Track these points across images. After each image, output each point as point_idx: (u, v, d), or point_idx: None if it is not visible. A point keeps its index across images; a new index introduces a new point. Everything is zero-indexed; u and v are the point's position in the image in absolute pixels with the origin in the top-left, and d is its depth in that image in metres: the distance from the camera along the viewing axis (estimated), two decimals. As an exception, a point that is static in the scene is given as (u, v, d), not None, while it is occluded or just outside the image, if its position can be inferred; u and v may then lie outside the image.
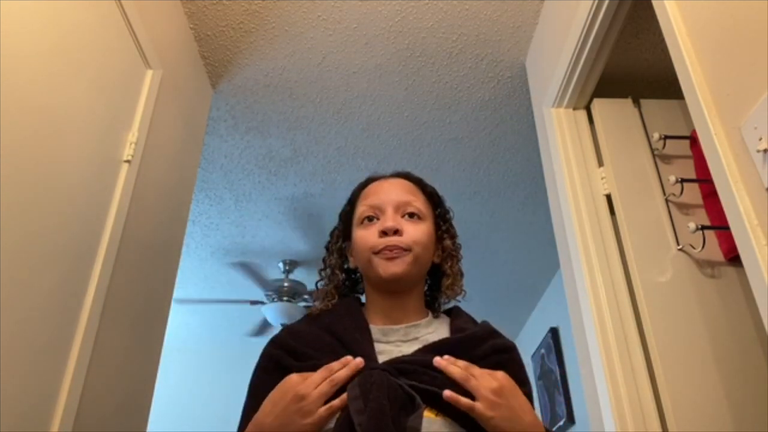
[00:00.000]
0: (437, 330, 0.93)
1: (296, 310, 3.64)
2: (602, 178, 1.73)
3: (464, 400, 0.78)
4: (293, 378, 0.80)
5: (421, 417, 0.75)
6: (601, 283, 1.57)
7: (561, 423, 3.33)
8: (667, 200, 1.65)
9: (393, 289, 0.93)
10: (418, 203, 0.97)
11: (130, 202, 1.52)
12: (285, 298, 3.61)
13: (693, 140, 1.70)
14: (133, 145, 1.55)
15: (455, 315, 0.98)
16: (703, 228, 1.52)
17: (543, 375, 3.73)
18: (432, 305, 1.01)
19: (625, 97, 1.84)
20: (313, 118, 2.45)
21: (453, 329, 0.94)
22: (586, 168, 1.76)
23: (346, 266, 1.01)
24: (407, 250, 0.90)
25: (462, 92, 2.34)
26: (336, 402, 0.77)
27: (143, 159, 1.60)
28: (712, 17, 1.05)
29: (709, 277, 1.54)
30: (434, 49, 2.15)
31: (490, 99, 2.36)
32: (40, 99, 1.19)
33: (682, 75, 1.10)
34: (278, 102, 2.37)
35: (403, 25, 2.07)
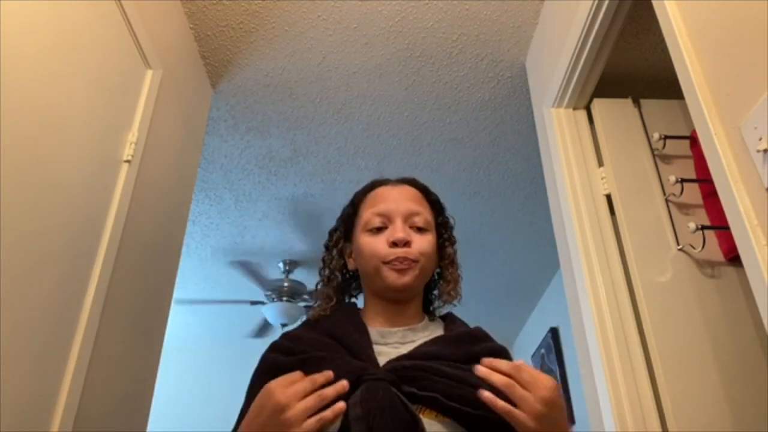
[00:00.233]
0: (433, 333, 0.95)
1: (296, 310, 3.64)
2: (602, 178, 1.73)
3: (502, 404, 0.74)
4: (272, 385, 0.75)
5: None
6: (601, 283, 1.57)
7: (561, 423, 3.32)
8: (667, 200, 1.65)
9: (397, 297, 0.95)
10: (425, 214, 0.98)
11: (130, 202, 1.52)
12: (285, 298, 3.61)
13: (693, 140, 1.70)
14: (133, 145, 1.55)
15: (450, 320, 1.00)
16: (703, 228, 1.52)
17: (543, 375, 3.72)
18: (427, 309, 1.03)
19: (625, 97, 1.84)
20: (313, 118, 2.45)
21: (448, 331, 0.96)
22: (586, 168, 1.76)
23: (345, 268, 1.02)
24: (415, 261, 0.92)
25: (462, 92, 2.34)
26: (327, 414, 0.73)
27: (143, 159, 1.60)
28: (712, 17, 1.05)
29: (709, 277, 1.54)
30: (434, 49, 2.15)
31: (490, 99, 2.36)
32: (40, 99, 1.19)
33: (682, 75, 1.10)
34: (278, 102, 2.37)
35: (403, 25, 2.07)
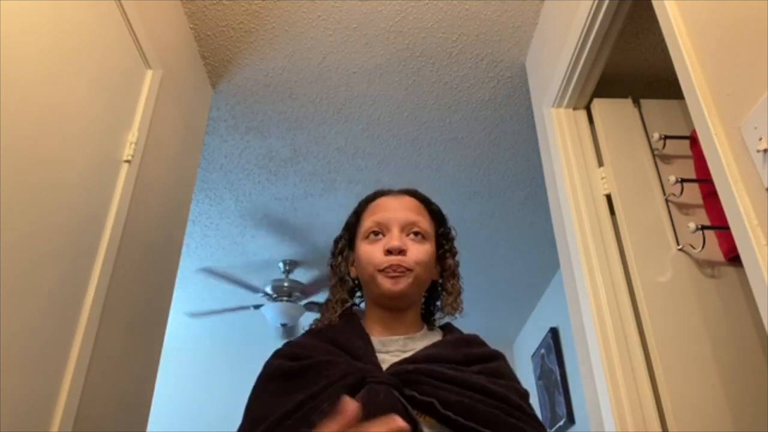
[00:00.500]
0: (432, 342, 0.96)
1: (296, 310, 3.64)
2: (602, 178, 1.73)
3: None
4: None
5: None
6: (601, 283, 1.57)
7: (561, 423, 3.33)
8: (667, 200, 1.65)
9: (393, 305, 0.96)
10: (424, 223, 0.99)
11: (130, 202, 1.52)
12: (285, 298, 3.61)
13: (693, 140, 1.70)
14: (133, 145, 1.55)
15: (448, 330, 1.01)
16: (703, 228, 1.52)
17: (543, 375, 3.73)
18: (428, 319, 1.04)
19: (625, 97, 1.84)
20: (313, 118, 2.45)
21: (447, 338, 0.98)
22: (586, 168, 1.76)
23: (348, 276, 1.03)
24: (410, 269, 0.93)
25: (462, 92, 2.34)
26: None
27: (143, 159, 1.60)
28: (712, 17, 1.05)
29: (709, 277, 1.54)
30: (434, 49, 2.15)
31: (490, 99, 2.36)
32: (40, 99, 1.19)
33: (682, 75, 1.10)
34: (278, 102, 2.37)
35: (403, 25, 2.07)
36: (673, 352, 1.44)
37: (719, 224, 1.53)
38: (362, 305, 1.04)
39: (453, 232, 1.06)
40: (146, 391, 1.68)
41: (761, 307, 0.89)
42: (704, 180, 1.61)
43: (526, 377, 3.94)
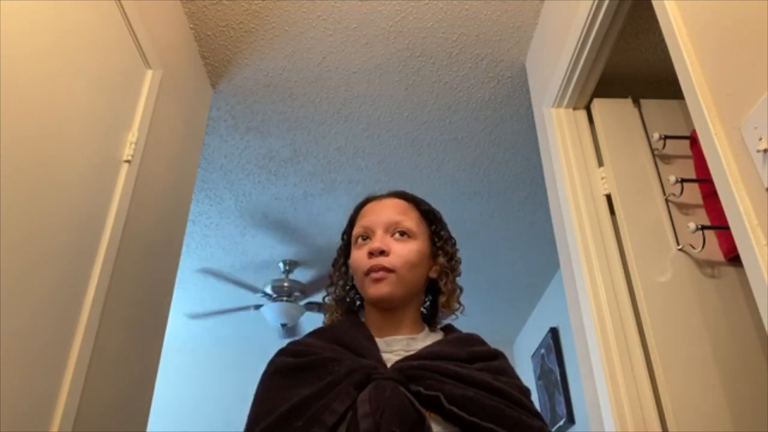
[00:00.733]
0: (435, 341, 0.96)
1: (296, 310, 3.64)
2: (602, 178, 1.73)
3: None
4: None
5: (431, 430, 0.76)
6: (601, 283, 1.57)
7: (561, 423, 3.33)
8: (667, 200, 1.65)
9: (385, 307, 0.96)
10: (409, 222, 0.98)
11: (130, 202, 1.52)
12: (285, 298, 3.61)
13: (693, 140, 1.70)
14: (133, 145, 1.55)
15: (449, 331, 1.01)
16: (703, 228, 1.52)
17: (543, 375, 3.73)
18: (431, 320, 1.04)
19: (625, 97, 1.84)
20: (313, 118, 2.45)
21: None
22: (586, 168, 1.76)
23: (349, 283, 1.04)
24: (392, 270, 0.93)
25: (462, 92, 2.34)
26: None
27: (143, 159, 1.60)
28: (712, 17, 1.05)
29: (709, 277, 1.54)
30: (434, 49, 2.15)
31: (490, 99, 2.36)
32: (40, 99, 1.19)
33: (682, 75, 1.10)
34: (278, 102, 2.37)
35: (403, 25, 2.07)
36: (673, 352, 1.44)
37: (719, 224, 1.53)
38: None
39: (446, 231, 1.05)
40: (146, 391, 1.68)
41: (761, 307, 0.89)
42: (704, 180, 1.61)
43: (526, 377, 3.94)
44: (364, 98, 2.35)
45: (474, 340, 0.97)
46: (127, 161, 1.53)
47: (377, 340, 0.93)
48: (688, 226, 1.54)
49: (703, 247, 1.52)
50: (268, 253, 3.41)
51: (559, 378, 3.40)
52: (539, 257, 3.39)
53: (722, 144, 0.99)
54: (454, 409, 0.79)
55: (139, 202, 1.58)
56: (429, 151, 2.63)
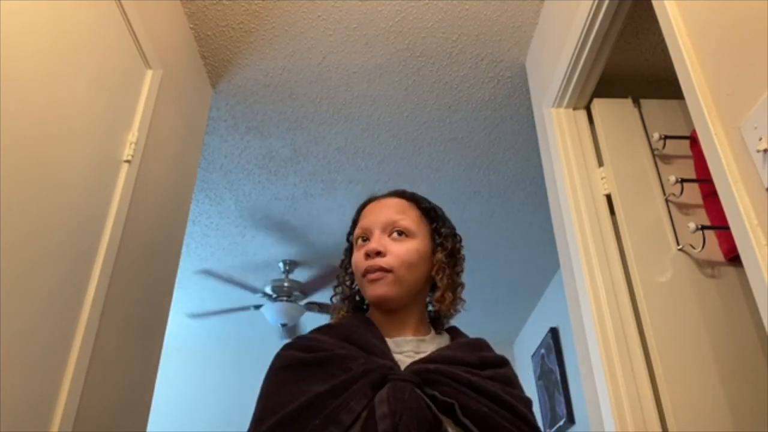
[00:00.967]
0: (441, 345, 0.96)
1: (296, 310, 3.64)
2: (602, 178, 1.73)
3: None
4: None
5: None
6: (601, 283, 1.57)
7: (561, 423, 3.33)
8: (667, 200, 1.65)
9: (385, 308, 0.95)
10: (407, 221, 0.97)
11: (130, 202, 1.52)
12: (285, 298, 3.61)
13: (693, 140, 1.70)
14: (133, 145, 1.55)
15: (455, 334, 1.01)
16: (703, 228, 1.52)
17: (543, 375, 3.73)
18: (438, 320, 1.02)
19: (625, 97, 1.84)
20: (313, 118, 2.45)
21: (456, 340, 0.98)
22: (586, 168, 1.76)
23: (356, 285, 1.03)
24: (389, 270, 0.92)
25: (462, 92, 2.34)
26: None
27: (143, 159, 1.60)
28: (712, 17, 1.05)
29: (709, 277, 1.54)
30: (434, 49, 2.15)
31: (490, 99, 2.36)
32: (40, 99, 1.19)
33: (682, 75, 1.10)
34: (278, 102, 2.37)
35: (403, 25, 2.07)
36: (673, 352, 1.44)
37: (719, 224, 1.53)
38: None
39: (448, 228, 1.03)
40: (146, 391, 1.68)
41: (761, 307, 0.89)
42: (704, 180, 1.61)
43: (526, 377, 3.94)
44: (364, 98, 2.35)
45: (482, 345, 0.97)
46: (127, 161, 1.53)
47: (387, 340, 0.92)
48: (688, 226, 1.54)
49: (703, 247, 1.52)
50: (268, 253, 3.41)
51: (559, 378, 3.40)
52: (539, 257, 3.39)
53: (722, 144, 0.99)
54: (468, 423, 0.79)
55: (139, 202, 1.58)
56: (429, 151, 2.63)
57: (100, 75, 1.43)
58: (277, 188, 2.86)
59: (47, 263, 1.20)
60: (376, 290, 0.92)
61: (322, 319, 1.07)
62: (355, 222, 1.05)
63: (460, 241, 1.06)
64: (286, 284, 3.56)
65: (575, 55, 1.71)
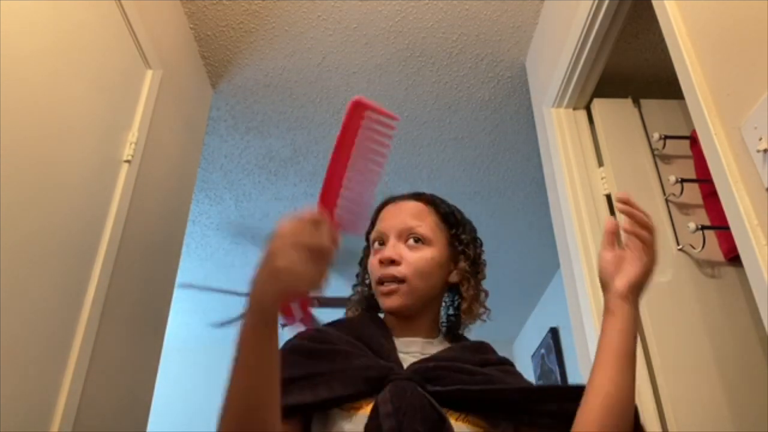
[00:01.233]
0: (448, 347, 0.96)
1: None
2: (602, 178, 1.73)
3: (641, 213, 0.83)
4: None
5: None
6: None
7: (561, 423, 3.33)
8: (667, 200, 1.65)
9: (399, 316, 0.94)
10: (423, 228, 0.94)
11: (130, 202, 1.52)
12: (285, 298, 3.60)
13: (693, 140, 1.70)
14: (133, 145, 1.55)
15: (459, 337, 1.01)
16: (703, 228, 1.52)
17: (543, 375, 3.73)
18: (455, 325, 1.01)
19: (625, 97, 1.84)
20: (313, 118, 2.45)
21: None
22: (586, 168, 1.75)
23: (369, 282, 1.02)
24: (402, 280, 0.90)
25: (462, 92, 2.34)
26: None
27: (143, 159, 1.60)
28: (712, 17, 1.05)
29: (709, 277, 1.54)
30: (434, 49, 2.15)
31: (490, 99, 2.36)
32: (40, 99, 1.19)
33: (682, 75, 1.10)
34: (278, 102, 2.37)
35: (403, 25, 2.07)
36: (673, 352, 1.44)
37: (719, 224, 1.53)
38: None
39: (468, 234, 1.01)
40: (146, 391, 1.68)
41: (761, 307, 0.89)
42: (704, 180, 1.61)
43: (527, 377, 3.93)
44: (364, 98, 2.35)
45: (486, 348, 0.97)
46: (127, 161, 1.53)
47: (395, 339, 0.92)
48: (688, 226, 1.54)
49: (703, 247, 1.52)
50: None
51: (559, 378, 3.40)
52: (539, 257, 3.39)
53: (722, 144, 0.99)
54: (472, 398, 0.80)
55: (139, 202, 1.58)
56: (429, 151, 2.63)
57: (100, 75, 1.43)
58: (277, 188, 2.86)
59: (47, 263, 1.20)
60: (391, 303, 0.91)
61: (323, 313, 1.06)
62: (373, 221, 1.02)
63: (481, 245, 1.04)
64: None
65: (575, 55, 1.71)
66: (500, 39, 2.12)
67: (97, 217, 1.41)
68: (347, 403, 0.81)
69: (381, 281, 0.92)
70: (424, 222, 0.95)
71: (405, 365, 0.86)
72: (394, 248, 0.92)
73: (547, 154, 1.94)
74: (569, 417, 0.78)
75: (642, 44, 2.03)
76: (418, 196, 1.01)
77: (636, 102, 1.83)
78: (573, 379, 3.29)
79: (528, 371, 3.99)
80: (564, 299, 1.78)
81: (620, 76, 2.06)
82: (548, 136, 1.90)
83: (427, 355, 0.90)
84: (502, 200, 2.96)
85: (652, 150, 1.74)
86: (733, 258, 1.54)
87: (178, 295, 1.98)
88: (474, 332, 1.01)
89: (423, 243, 0.93)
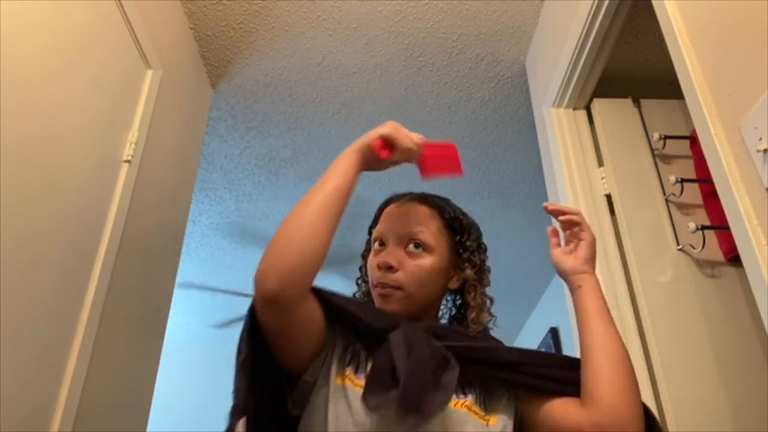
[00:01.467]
0: None
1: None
2: (602, 178, 1.73)
3: (572, 209, 0.94)
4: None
5: (455, 376, 0.78)
6: (601, 283, 1.57)
7: (561, 423, 3.33)
8: (667, 200, 1.65)
9: None
10: (425, 234, 0.92)
11: (130, 202, 1.52)
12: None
13: (693, 140, 1.70)
14: (133, 145, 1.55)
15: None
16: (703, 228, 1.52)
17: (543, 375, 3.72)
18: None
19: (625, 97, 1.84)
20: (313, 118, 2.45)
21: None
22: (586, 168, 1.75)
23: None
24: (398, 288, 0.89)
25: (462, 92, 2.33)
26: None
27: (143, 159, 1.60)
28: (712, 17, 1.05)
29: (709, 277, 1.54)
30: (434, 49, 2.15)
31: (490, 99, 2.36)
32: (40, 99, 1.19)
33: (682, 75, 1.10)
34: (278, 102, 2.37)
35: (403, 25, 2.07)
36: (673, 352, 1.44)
37: (719, 224, 1.53)
38: None
39: (474, 240, 0.99)
40: (146, 391, 1.68)
41: (761, 307, 0.89)
42: (704, 180, 1.61)
43: (526, 377, 3.93)
44: (364, 98, 2.35)
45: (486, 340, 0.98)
46: (127, 161, 1.53)
47: None
48: (688, 226, 1.54)
49: (703, 247, 1.52)
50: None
51: (559, 378, 3.39)
52: (539, 257, 3.38)
53: (722, 144, 0.99)
54: (477, 358, 0.84)
55: (139, 202, 1.58)
56: (429, 151, 2.63)
57: (100, 75, 1.43)
58: (277, 188, 2.86)
59: (47, 263, 1.20)
60: (385, 306, 0.90)
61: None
62: (375, 217, 1.01)
63: (486, 251, 1.02)
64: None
65: (575, 55, 1.71)
66: (500, 39, 2.12)
67: (97, 217, 1.41)
68: (367, 336, 0.85)
69: (377, 286, 0.91)
70: (427, 228, 0.94)
71: None
72: (392, 254, 0.91)
73: (547, 154, 1.94)
74: (567, 382, 0.82)
75: (642, 44, 2.03)
76: (423, 199, 0.99)
77: (636, 102, 1.83)
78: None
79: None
80: (564, 299, 1.78)
81: (620, 76, 2.05)
82: (548, 136, 1.90)
83: None
84: (502, 200, 2.96)
85: (652, 150, 1.74)
86: (733, 258, 1.54)
87: (178, 295, 1.98)
88: (474, 332, 1.01)
89: (423, 249, 0.92)
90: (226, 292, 3.68)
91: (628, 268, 1.58)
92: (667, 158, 1.73)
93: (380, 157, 0.88)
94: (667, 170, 1.69)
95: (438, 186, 1.06)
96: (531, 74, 2.17)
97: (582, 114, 1.86)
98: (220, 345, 4.52)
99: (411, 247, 0.92)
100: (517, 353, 0.87)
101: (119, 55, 1.54)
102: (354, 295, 1.02)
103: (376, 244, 0.95)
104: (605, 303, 0.88)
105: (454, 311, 1.01)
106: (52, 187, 1.22)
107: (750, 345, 1.44)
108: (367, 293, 0.99)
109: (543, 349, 3.73)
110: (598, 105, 1.82)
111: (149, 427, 1.69)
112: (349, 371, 0.82)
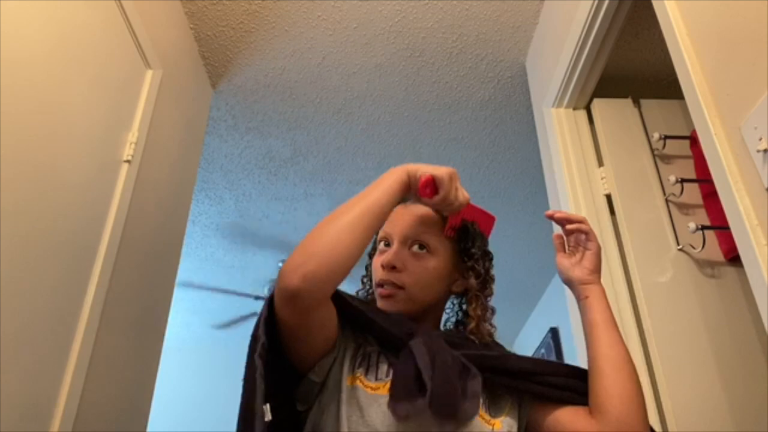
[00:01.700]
0: None
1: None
2: (602, 178, 1.73)
3: (578, 216, 0.95)
4: None
5: (480, 384, 0.79)
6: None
7: (561, 423, 3.32)
8: (667, 200, 1.65)
9: None
10: (429, 236, 0.93)
11: (130, 202, 1.52)
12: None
13: (693, 140, 1.70)
14: (133, 145, 1.55)
15: None
16: (703, 228, 1.52)
17: (543, 375, 3.72)
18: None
19: (625, 97, 1.84)
20: (313, 118, 2.45)
21: None
22: (586, 168, 1.75)
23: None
24: (401, 288, 0.89)
25: (462, 92, 2.33)
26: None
27: (143, 159, 1.60)
28: (712, 17, 1.05)
29: (709, 277, 1.54)
30: (434, 49, 2.15)
31: (490, 99, 2.36)
32: (41, 99, 1.19)
33: (682, 75, 1.10)
34: (278, 102, 2.37)
35: (403, 25, 2.07)
36: (673, 352, 1.43)
37: (719, 224, 1.53)
38: None
39: (479, 247, 0.98)
40: (146, 391, 1.68)
41: (761, 307, 0.89)
42: (704, 180, 1.61)
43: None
44: (364, 98, 2.35)
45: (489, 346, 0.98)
46: (127, 161, 1.53)
47: None
48: (688, 226, 1.54)
49: (703, 247, 1.52)
50: (267, 252, 3.41)
51: (559, 378, 3.39)
52: (539, 257, 3.39)
53: (722, 144, 0.99)
54: (492, 366, 0.84)
55: (139, 202, 1.58)
56: (429, 151, 2.63)
57: (100, 75, 1.43)
58: (277, 188, 2.86)
59: (47, 263, 1.20)
60: (386, 307, 0.90)
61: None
62: None
63: (491, 260, 1.01)
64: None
65: (575, 55, 1.71)
66: (500, 39, 2.12)
67: (97, 217, 1.41)
68: (382, 340, 0.85)
69: (380, 285, 0.91)
70: (431, 230, 0.94)
71: None
72: (396, 254, 0.91)
73: (547, 154, 1.94)
74: (577, 392, 0.84)
75: (642, 44, 2.03)
76: None
77: (636, 102, 1.83)
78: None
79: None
80: (564, 299, 1.78)
81: (620, 76, 2.05)
82: (548, 136, 1.90)
83: None
84: (502, 200, 2.96)
85: (652, 150, 1.74)
86: (733, 258, 1.53)
87: (178, 295, 1.98)
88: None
89: (427, 251, 0.92)
90: (226, 292, 3.69)
91: (628, 268, 1.58)
92: (667, 158, 1.73)
93: (420, 194, 0.89)
94: (667, 170, 1.69)
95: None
96: (531, 74, 2.17)
97: (582, 114, 1.86)
98: (220, 345, 4.53)
99: (415, 248, 0.92)
100: (528, 362, 0.87)
101: (119, 55, 1.54)
102: (357, 293, 1.02)
103: (382, 244, 0.95)
104: (611, 313, 0.90)
105: (460, 315, 1.00)
106: (52, 187, 1.22)
107: (750, 345, 1.44)
108: (371, 292, 0.99)
109: (543, 350, 3.73)
110: (598, 105, 1.82)
111: (149, 427, 1.69)
112: (359, 373, 0.82)
